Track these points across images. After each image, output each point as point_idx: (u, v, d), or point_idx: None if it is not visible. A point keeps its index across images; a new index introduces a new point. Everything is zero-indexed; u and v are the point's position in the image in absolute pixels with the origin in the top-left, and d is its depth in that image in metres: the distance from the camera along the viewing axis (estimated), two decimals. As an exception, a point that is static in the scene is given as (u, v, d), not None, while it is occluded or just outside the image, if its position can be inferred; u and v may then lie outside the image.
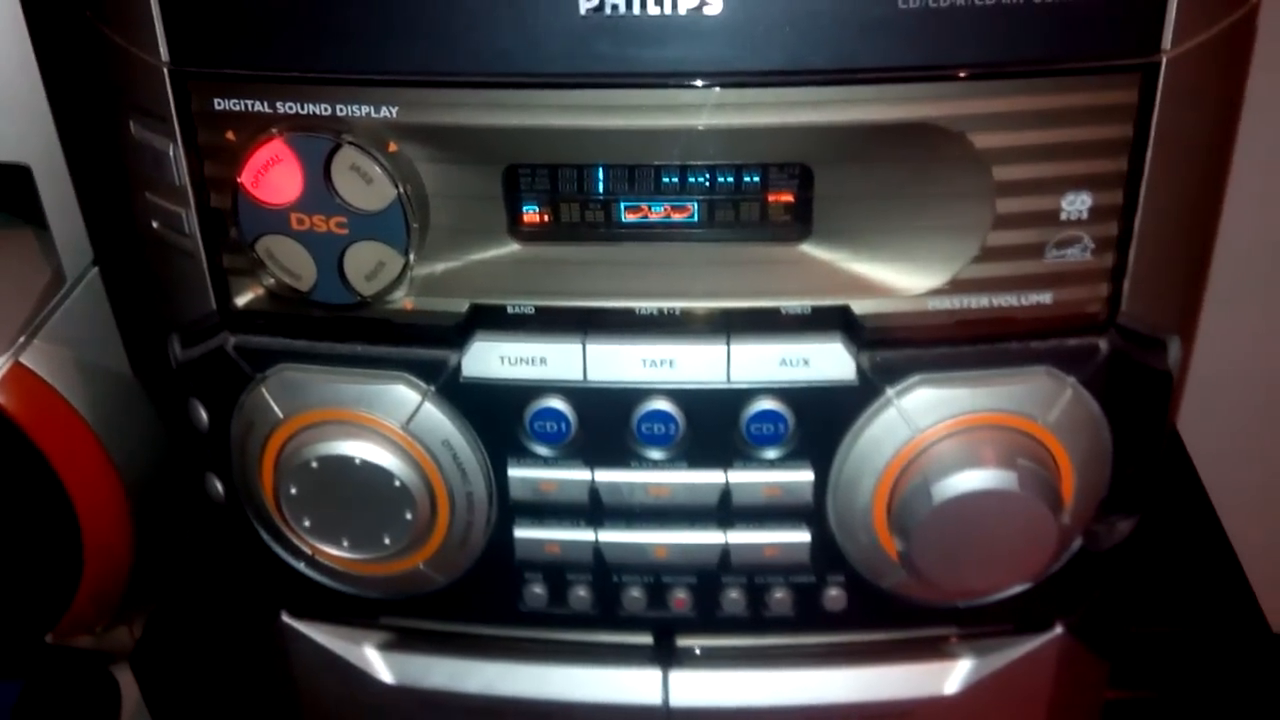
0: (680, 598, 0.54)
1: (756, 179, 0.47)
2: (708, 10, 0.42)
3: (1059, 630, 0.56)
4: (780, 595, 0.54)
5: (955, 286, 0.47)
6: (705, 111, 0.44)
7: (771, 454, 0.50)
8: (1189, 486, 0.82)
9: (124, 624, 0.78)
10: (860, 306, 0.48)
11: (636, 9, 0.42)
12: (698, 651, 0.57)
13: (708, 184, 0.48)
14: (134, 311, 0.66)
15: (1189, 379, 0.53)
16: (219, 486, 0.55)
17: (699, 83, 0.43)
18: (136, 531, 0.67)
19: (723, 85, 0.44)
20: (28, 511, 0.62)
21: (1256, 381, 0.96)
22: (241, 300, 0.51)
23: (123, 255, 0.64)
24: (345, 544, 0.52)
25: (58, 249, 0.62)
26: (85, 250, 0.63)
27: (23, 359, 0.61)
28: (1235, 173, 0.49)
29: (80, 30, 0.50)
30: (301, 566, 0.56)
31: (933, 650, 0.57)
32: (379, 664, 0.59)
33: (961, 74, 0.43)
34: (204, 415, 0.53)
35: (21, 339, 0.61)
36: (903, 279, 0.48)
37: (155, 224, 0.50)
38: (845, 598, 0.54)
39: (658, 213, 0.48)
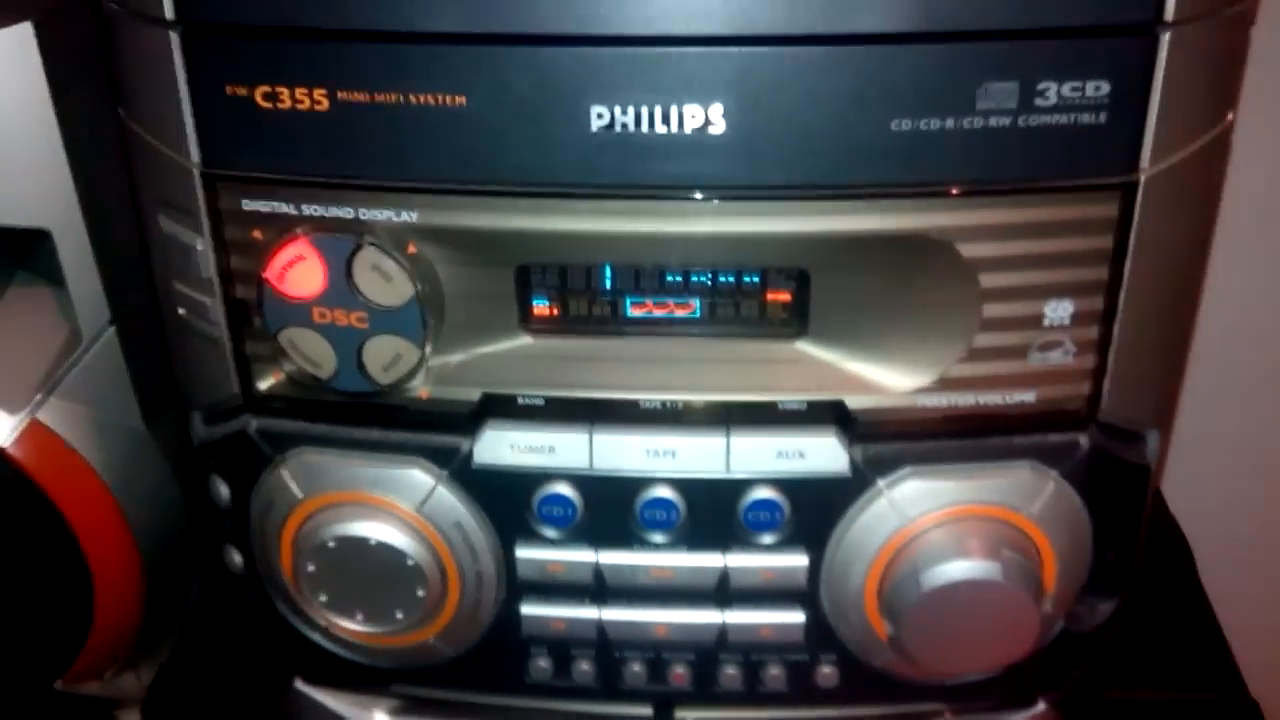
0: (679, 672, 0.56)
1: (756, 280, 0.50)
2: (712, 130, 0.44)
3: (1042, 706, 0.58)
4: (775, 671, 0.56)
5: (943, 385, 0.50)
6: (707, 220, 0.47)
7: (768, 540, 0.52)
8: (1171, 547, 0.84)
9: (131, 670, 0.79)
10: (854, 402, 0.50)
11: (645, 127, 0.44)
12: (694, 725, 0.59)
13: (710, 283, 0.50)
14: (149, 368, 0.67)
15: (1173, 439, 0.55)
16: (238, 558, 0.57)
17: (702, 195, 0.46)
18: (147, 583, 0.68)
19: (724, 198, 0.46)
20: (41, 562, 0.63)
21: (1241, 442, 0.98)
22: (264, 385, 0.53)
23: (139, 313, 0.65)
24: (359, 618, 0.54)
25: (75, 308, 0.63)
26: (102, 310, 0.64)
27: (39, 416, 0.62)
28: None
29: (106, 115, 0.52)
30: (316, 637, 0.58)
31: (923, 724, 0.59)
32: (392, 733, 0.61)
33: (950, 190, 0.45)
34: (225, 491, 0.56)
35: (39, 396, 0.62)
36: (894, 377, 0.50)
37: (182, 311, 0.52)
38: (837, 674, 0.56)
39: (662, 309, 0.51)
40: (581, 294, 0.51)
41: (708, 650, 0.55)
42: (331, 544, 0.52)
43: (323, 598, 0.54)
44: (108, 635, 0.68)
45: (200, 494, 0.58)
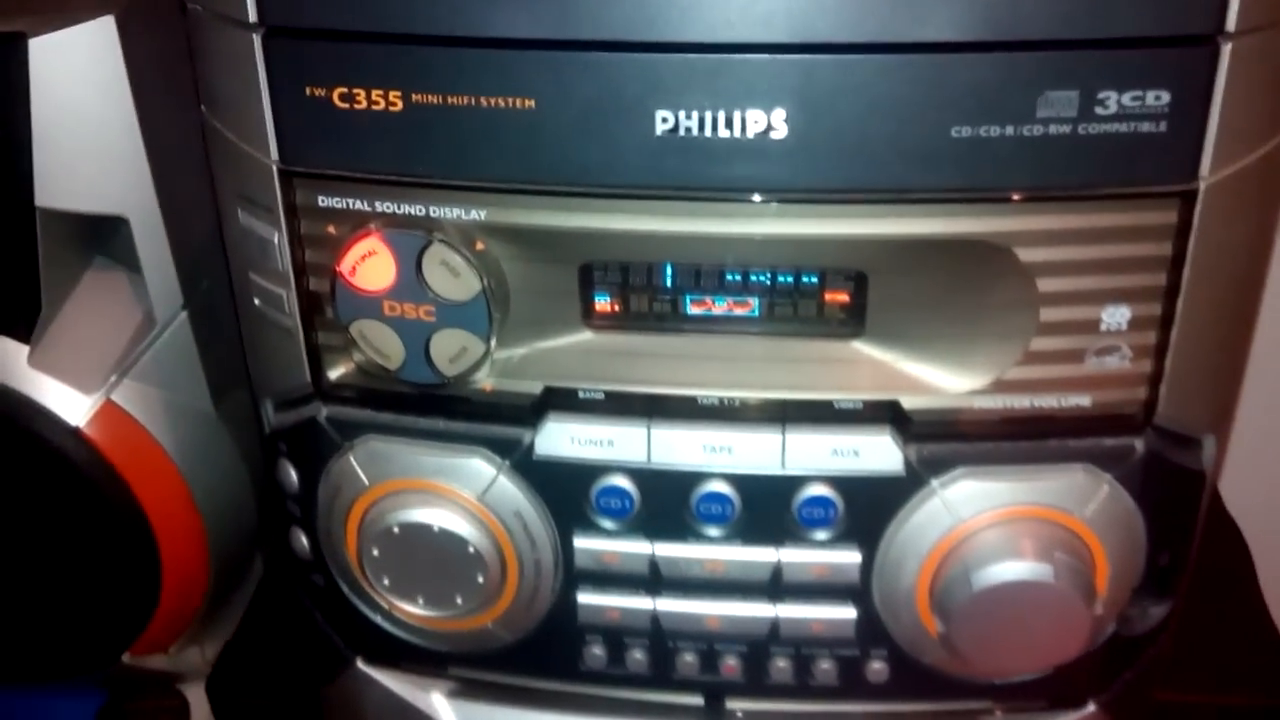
0: (730, 664, 0.57)
1: (814, 280, 0.51)
2: (774, 135, 0.45)
3: (1092, 708, 0.59)
4: (825, 665, 0.57)
5: (999, 387, 0.50)
6: (768, 222, 0.47)
7: (821, 536, 0.53)
8: (1229, 548, 0.83)
9: (196, 645, 0.81)
10: (909, 402, 0.51)
11: (708, 132, 0.45)
12: (740, 716, 0.60)
13: (768, 283, 0.51)
14: (218, 352, 0.69)
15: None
16: (304, 541, 0.59)
17: (763, 197, 0.47)
18: (212, 561, 0.70)
19: (784, 200, 0.47)
20: (112, 539, 0.65)
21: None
22: (334, 375, 0.54)
23: (211, 299, 0.67)
24: (421, 602, 0.55)
25: (150, 293, 0.65)
26: (175, 295, 0.66)
27: (113, 397, 0.64)
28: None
29: (184, 109, 0.54)
30: (378, 619, 0.59)
31: (972, 721, 0.60)
32: (447, 712, 0.62)
33: (1009, 196, 0.46)
34: (294, 477, 0.57)
35: (113, 378, 0.64)
36: (950, 378, 0.50)
37: (257, 302, 0.54)
38: (887, 670, 0.56)
39: (721, 307, 0.52)
40: (642, 291, 0.52)
41: (759, 643, 0.56)
42: (395, 530, 0.53)
43: (385, 581, 0.55)
44: (173, 610, 0.70)
45: (268, 478, 0.59)
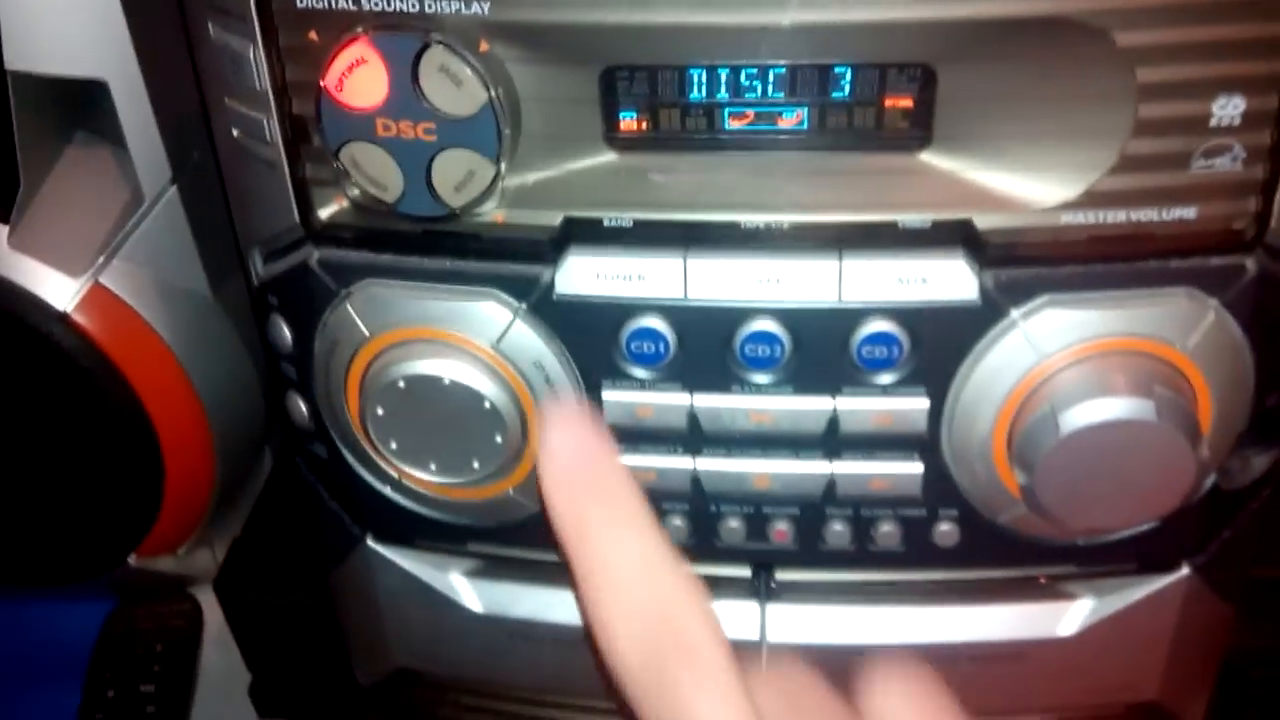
0: (781, 530, 0.52)
1: (873, 81, 0.44)
2: (828, -109, 0.38)
3: (1185, 571, 0.53)
4: (887, 529, 0.51)
5: (1089, 199, 0.44)
6: (821, 7, 0.41)
7: (883, 379, 0.47)
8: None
9: (205, 547, 0.78)
10: (984, 221, 0.45)
11: (750, -109, 0.38)
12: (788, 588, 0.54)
13: (819, 88, 0.44)
14: (213, 230, 0.64)
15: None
16: (303, 408, 0.53)
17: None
18: (218, 453, 0.66)
19: (844, -25, 0.40)
20: (108, 433, 0.61)
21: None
22: (325, 213, 0.48)
23: (202, 172, 0.62)
24: (433, 468, 0.50)
25: (135, 167, 0.60)
26: (163, 168, 0.61)
27: (102, 279, 0.59)
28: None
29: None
30: (388, 491, 0.54)
31: (1048, 590, 0.54)
32: (467, 592, 0.58)
33: (1106, -38, 0.39)
34: (287, 334, 0.51)
35: (101, 259, 0.59)
36: (1031, 191, 0.44)
37: (236, 132, 0.48)
38: (956, 533, 0.51)
39: (765, 119, 0.45)
40: (674, 103, 0.45)
41: (812, 505, 0.51)
42: (401, 384, 0.48)
43: (393, 445, 0.49)
44: (179, 507, 0.66)
45: (261, 341, 0.54)
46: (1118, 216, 0.44)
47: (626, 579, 0.34)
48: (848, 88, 0.44)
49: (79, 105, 0.60)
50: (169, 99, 0.59)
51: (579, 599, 0.35)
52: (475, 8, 0.42)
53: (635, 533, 0.35)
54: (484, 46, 0.43)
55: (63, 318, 0.58)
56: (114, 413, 0.60)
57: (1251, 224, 0.44)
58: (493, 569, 0.58)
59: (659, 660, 0.32)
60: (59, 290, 0.58)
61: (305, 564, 0.74)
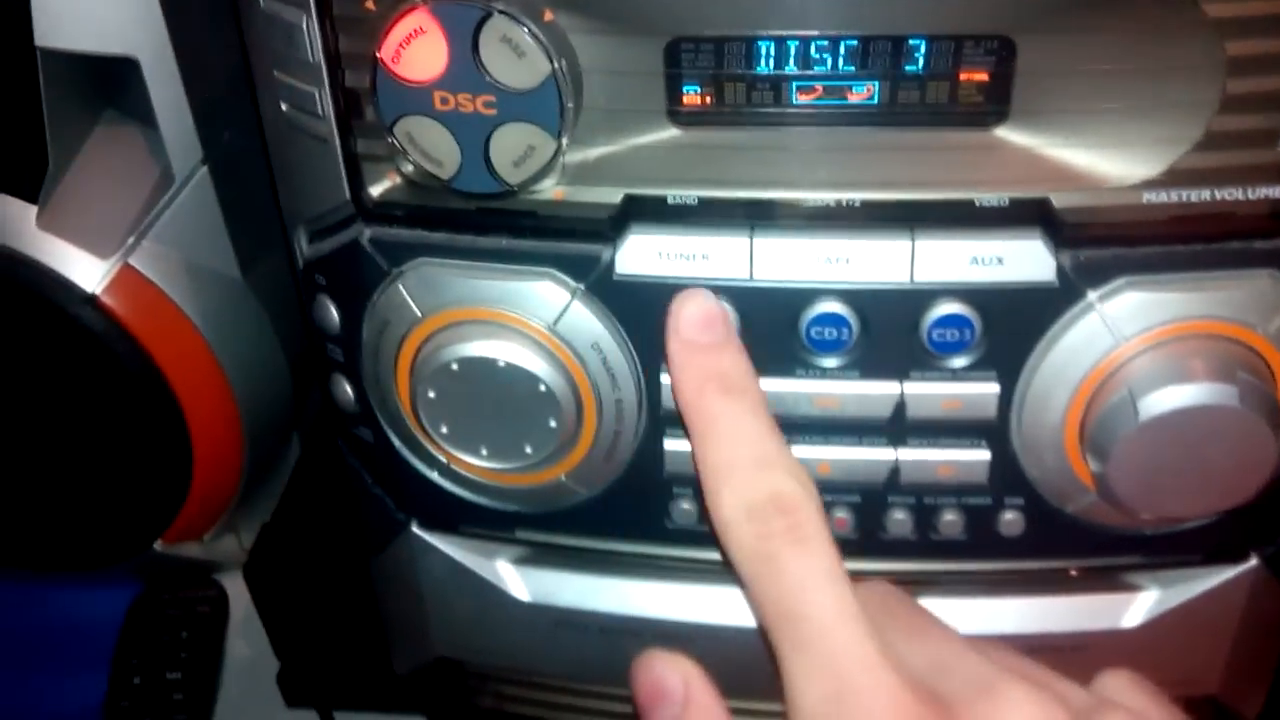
0: (841, 517, 0.50)
1: (948, 53, 0.42)
2: None
3: (1254, 561, 0.52)
4: (950, 518, 0.50)
5: (1172, 177, 0.42)
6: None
7: (954, 363, 0.45)
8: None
9: (232, 533, 0.77)
10: (1062, 199, 0.43)
11: None
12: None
13: (891, 60, 0.43)
14: (244, 212, 0.63)
15: None
16: (348, 390, 0.52)
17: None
18: (246, 437, 0.65)
19: (922, -56, 0.39)
20: (136, 417, 0.60)
21: None
22: (377, 189, 0.47)
23: (233, 152, 0.61)
24: (484, 452, 0.48)
25: (166, 147, 0.59)
26: (194, 148, 0.60)
27: (131, 261, 0.58)
28: None
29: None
30: (435, 476, 0.52)
31: (1113, 580, 0.52)
32: (513, 579, 0.56)
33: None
34: (334, 314, 0.50)
35: (130, 240, 0.58)
36: (1112, 168, 0.43)
37: (285, 106, 0.47)
38: (1022, 522, 0.49)
39: (834, 94, 0.44)
40: (739, 76, 0.44)
41: (875, 492, 0.49)
42: (454, 367, 0.46)
43: (444, 429, 0.48)
44: (207, 493, 0.65)
45: (306, 322, 0.52)
46: (1201, 195, 0.42)
47: (744, 451, 0.36)
48: (921, 60, 0.42)
49: (108, 83, 0.59)
50: (200, 77, 0.58)
51: (694, 457, 0.40)
52: (540, -25, 0.40)
53: (753, 413, 0.39)
54: (548, 15, 0.41)
55: (91, 300, 0.57)
56: (142, 396, 0.59)
57: (1338, 204, 0.43)
58: (539, 556, 0.56)
59: (766, 532, 0.35)
60: (88, 272, 0.57)
61: (337, 550, 0.73)
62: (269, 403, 0.68)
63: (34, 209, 0.57)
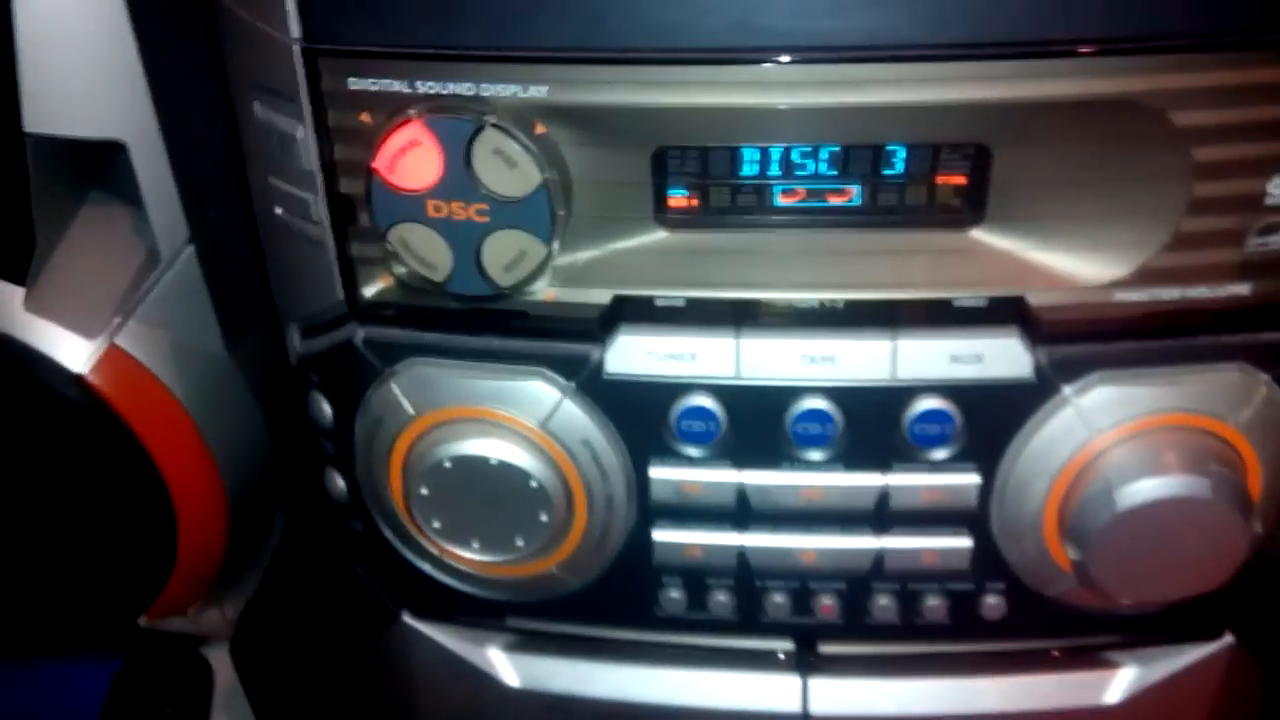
0: (827, 604, 0.51)
1: (926, 159, 0.44)
2: (888, -22, 0.38)
3: (1229, 639, 0.53)
4: (934, 603, 0.51)
5: (1143, 276, 0.44)
6: (878, 88, 0.41)
7: (935, 456, 0.47)
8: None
9: (216, 606, 0.77)
10: (1037, 298, 0.45)
11: (809, -22, 0.38)
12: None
13: (871, 166, 0.44)
14: (230, 291, 0.63)
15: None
16: (340, 484, 0.53)
17: (876, 56, 0.40)
18: (231, 514, 0.65)
19: (900, 60, 0.40)
20: (122, 494, 0.60)
21: None
22: (370, 291, 0.48)
23: (218, 231, 0.61)
24: (476, 546, 0.49)
25: (152, 226, 0.59)
26: (180, 228, 0.60)
27: (118, 340, 0.58)
28: None
29: (183, 12, 0.48)
30: (426, 567, 0.53)
31: (1092, 659, 0.54)
32: (504, 667, 0.57)
33: (1163, 46, 0.39)
34: (327, 410, 0.51)
35: (117, 320, 0.58)
36: (1085, 268, 0.44)
37: (279, 210, 0.48)
38: (1003, 605, 0.51)
39: (816, 196, 0.45)
40: (724, 181, 0.45)
41: (859, 579, 0.50)
42: (447, 465, 0.47)
43: (436, 524, 0.49)
44: (192, 568, 0.65)
45: (297, 416, 0.53)
46: (1171, 294, 0.44)
47: None
48: (901, 165, 0.44)
49: (94, 165, 0.59)
50: (187, 158, 0.58)
51: None
52: (533, 91, 0.42)
53: None
54: (539, 129, 0.43)
55: (78, 380, 0.57)
56: (127, 474, 0.59)
57: (1303, 299, 0.44)
58: (530, 643, 0.57)
59: None
60: (74, 352, 0.57)
61: (324, 629, 0.73)
62: (254, 477, 0.68)
63: (22, 291, 0.57)
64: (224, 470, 0.64)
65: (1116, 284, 0.44)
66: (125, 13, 0.54)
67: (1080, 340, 0.45)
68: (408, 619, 0.57)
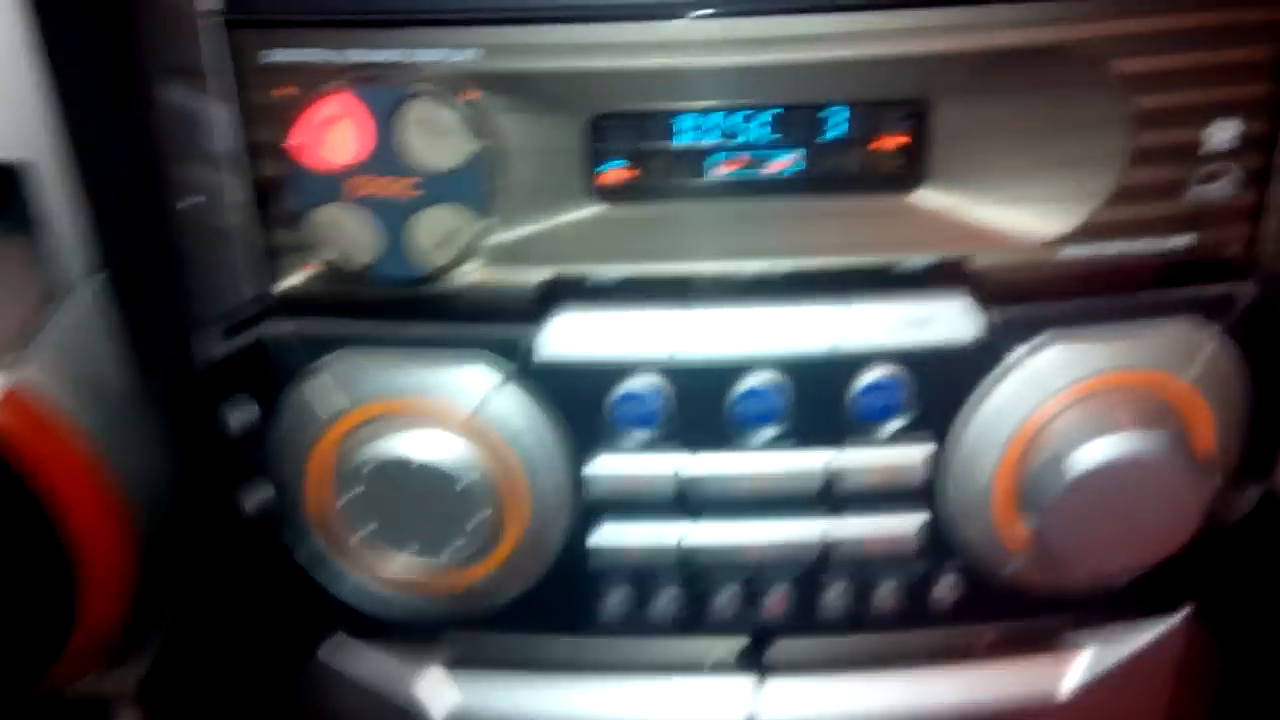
0: (776, 599, 0.49)
1: (865, 120, 0.43)
2: (828, -78, 0.37)
3: (1186, 612, 0.52)
4: (887, 590, 0.49)
5: (1089, 230, 0.43)
6: (813, 43, 0.40)
7: (886, 428, 0.45)
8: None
9: (121, 665, 0.72)
10: (984, 258, 0.44)
11: (748, -76, 0.37)
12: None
13: (809, 129, 0.43)
14: (144, 318, 0.60)
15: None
16: (258, 497, 0.50)
17: (809, 8, 0.39)
18: (140, 561, 0.61)
19: (834, 10, 0.39)
20: (18, 543, 0.55)
21: None
22: (291, 281, 0.46)
23: (129, 258, 0.58)
24: (407, 552, 0.47)
25: (58, 254, 0.55)
26: (89, 255, 0.57)
27: (18, 375, 0.54)
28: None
29: (90, 27, 0.46)
30: (357, 579, 0.50)
31: (1051, 644, 0.52)
32: (430, 697, 0.54)
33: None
34: (245, 417, 0.48)
35: (17, 354, 0.54)
36: (1032, 224, 0.44)
37: (190, 200, 0.45)
38: (956, 590, 0.49)
39: (754, 165, 0.44)
40: (660, 150, 0.43)
41: (810, 569, 0.49)
42: (371, 467, 0.45)
43: (364, 530, 0.46)
44: (97, 620, 0.60)
45: (207, 433, 0.50)
46: (1118, 248, 0.43)
47: None
48: (841, 128, 0.43)
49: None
50: (96, 179, 0.56)
51: None
52: (463, 55, 0.40)
53: None
54: (470, 95, 0.41)
55: (-25, 419, 0.53)
56: (24, 520, 0.54)
57: (1244, 250, 0.44)
58: (469, 660, 0.54)
59: None
60: (-31, 390, 0.54)
61: (246, 668, 0.69)
62: (164, 521, 0.65)
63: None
64: (134, 513, 0.60)
65: (1064, 239, 0.44)
66: (22, 28, 0.51)
67: (1030, 299, 0.44)
68: (336, 641, 0.54)
